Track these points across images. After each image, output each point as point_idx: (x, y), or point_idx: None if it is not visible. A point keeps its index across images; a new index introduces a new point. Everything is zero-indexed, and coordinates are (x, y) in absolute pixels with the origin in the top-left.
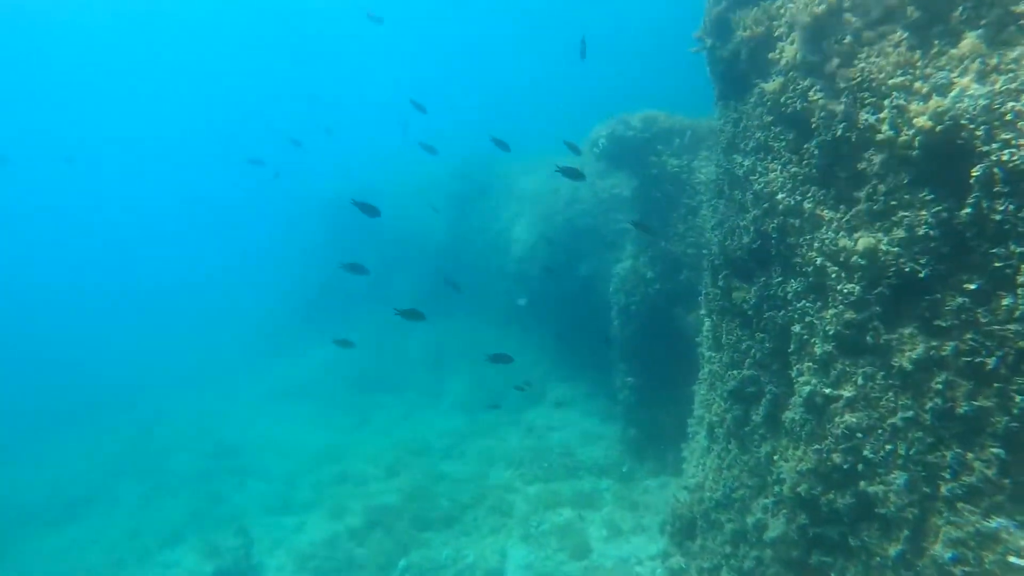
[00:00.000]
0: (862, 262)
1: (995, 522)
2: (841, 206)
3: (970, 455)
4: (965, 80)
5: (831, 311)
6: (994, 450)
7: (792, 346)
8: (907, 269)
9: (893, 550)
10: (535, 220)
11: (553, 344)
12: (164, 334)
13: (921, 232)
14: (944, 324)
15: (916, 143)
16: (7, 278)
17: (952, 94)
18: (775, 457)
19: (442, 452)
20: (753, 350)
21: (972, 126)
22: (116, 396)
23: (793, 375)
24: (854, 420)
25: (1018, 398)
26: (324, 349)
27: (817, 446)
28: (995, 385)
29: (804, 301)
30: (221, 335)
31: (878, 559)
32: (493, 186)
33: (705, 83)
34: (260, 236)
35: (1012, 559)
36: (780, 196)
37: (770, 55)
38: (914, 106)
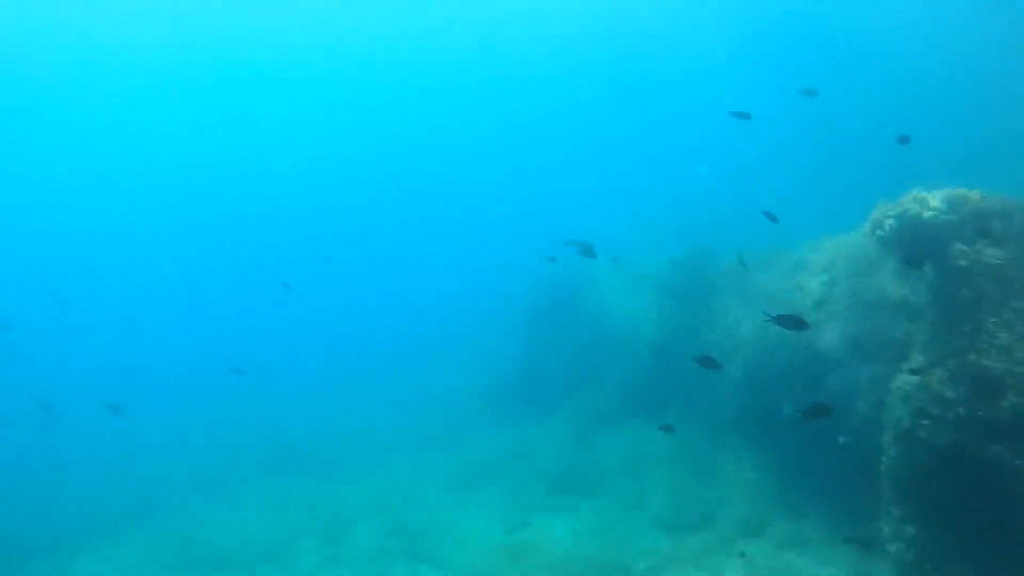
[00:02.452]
0: None
1: None
2: None
3: None
4: None
5: None
6: None
7: None
8: None
9: None
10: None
11: (778, 465)
12: (354, 399)
13: None
14: None
15: None
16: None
17: None
18: None
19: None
20: None
21: None
22: (309, 452)
23: None
24: None
25: None
26: (518, 433)
27: None
28: None
29: None
30: (412, 408)
31: None
32: (719, 282)
33: None
34: (461, 317)
35: None
36: None
37: None
38: None
